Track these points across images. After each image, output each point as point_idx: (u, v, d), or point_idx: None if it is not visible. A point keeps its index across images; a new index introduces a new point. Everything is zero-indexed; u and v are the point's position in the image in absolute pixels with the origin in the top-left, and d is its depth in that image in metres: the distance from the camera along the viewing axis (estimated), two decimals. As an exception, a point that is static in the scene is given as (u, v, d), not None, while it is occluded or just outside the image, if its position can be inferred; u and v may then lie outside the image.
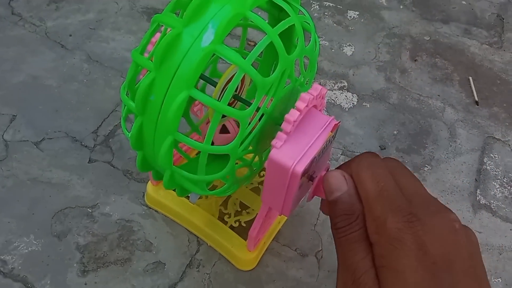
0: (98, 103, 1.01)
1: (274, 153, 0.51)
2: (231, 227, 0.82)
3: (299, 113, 0.51)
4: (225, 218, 0.83)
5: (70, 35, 1.13)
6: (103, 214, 0.85)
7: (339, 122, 0.56)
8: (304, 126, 0.53)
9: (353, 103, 1.09)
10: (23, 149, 0.92)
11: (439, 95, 1.13)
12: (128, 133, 0.57)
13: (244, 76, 0.65)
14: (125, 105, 0.58)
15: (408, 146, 1.04)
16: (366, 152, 0.51)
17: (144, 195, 0.88)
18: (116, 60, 1.09)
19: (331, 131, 0.55)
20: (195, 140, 0.52)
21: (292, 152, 0.50)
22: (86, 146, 0.94)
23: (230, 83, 0.49)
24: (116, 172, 0.91)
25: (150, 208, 0.86)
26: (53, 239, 0.82)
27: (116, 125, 0.98)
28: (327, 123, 0.54)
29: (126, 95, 0.58)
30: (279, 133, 0.51)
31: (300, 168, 0.49)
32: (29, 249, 0.80)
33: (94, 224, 0.84)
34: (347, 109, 1.08)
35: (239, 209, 0.85)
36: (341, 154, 1.00)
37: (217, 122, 0.50)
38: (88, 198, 0.87)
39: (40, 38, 1.12)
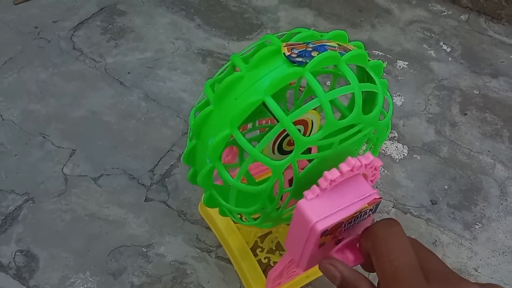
0: (155, 142, 1.03)
1: (302, 203, 0.50)
2: (260, 262, 0.82)
3: (339, 174, 0.51)
4: (258, 251, 0.84)
5: (129, 73, 1.17)
6: (158, 255, 0.86)
7: (380, 198, 0.52)
8: (343, 189, 0.51)
9: (403, 155, 1.10)
10: (81, 184, 0.94)
11: (489, 151, 1.13)
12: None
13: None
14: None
15: (459, 202, 1.03)
16: (385, 220, 0.47)
17: (197, 236, 0.89)
18: (172, 100, 1.12)
19: (368, 203, 0.52)
20: (230, 175, 0.55)
21: (320, 209, 0.49)
22: (142, 184, 0.96)
23: (269, 132, 0.52)
24: (171, 212, 0.92)
25: (203, 251, 0.87)
26: (108, 277, 0.83)
27: (172, 164, 1.00)
28: (368, 194, 0.54)
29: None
30: (314, 186, 0.51)
31: (321, 227, 0.47)
32: (85, 286, 0.81)
33: (148, 265, 0.85)
34: (397, 160, 1.08)
35: (274, 248, 0.85)
36: (393, 207, 1.00)
37: (249, 163, 0.53)
38: (144, 238, 0.88)
39: (99, 74, 1.16)
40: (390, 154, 1.09)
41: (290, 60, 0.51)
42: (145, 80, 1.16)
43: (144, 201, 0.93)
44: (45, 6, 1.32)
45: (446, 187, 1.05)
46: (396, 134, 1.13)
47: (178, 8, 1.37)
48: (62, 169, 0.96)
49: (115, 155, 1.00)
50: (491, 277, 0.92)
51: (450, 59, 1.33)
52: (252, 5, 1.41)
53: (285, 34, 0.59)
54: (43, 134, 1.02)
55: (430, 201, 1.03)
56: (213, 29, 1.32)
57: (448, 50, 1.35)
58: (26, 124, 1.03)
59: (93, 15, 1.30)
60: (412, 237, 0.51)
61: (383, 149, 1.10)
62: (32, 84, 1.12)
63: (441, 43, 1.36)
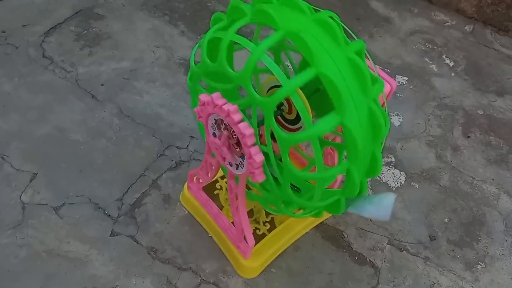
0: (126, 165, 0.93)
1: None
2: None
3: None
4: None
5: (102, 84, 1.07)
6: (122, 299, 0.77)
7: None
8: None
9: (400, 182, 1.00)
10: (41, 214, 0.84)
11: (493, 179, 1.03)
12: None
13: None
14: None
15: (460, 238, 0.94)
16: None
17: (167, 279, 0.80)
18: (148, 117, 1.02)
19: None
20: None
21: None
22: (109, 216, 0.86)
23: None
24: (140, 249, 0.82)
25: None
26: (64, 325, 0.73)
27: (143, 192, 0.90)
28: None
29: None
30: None
31: None
32: (37, 335, 0.72)
33: (110, 311, 0.75)
34: (394, 189, 0.99)
35: (255, 219, 0.85)
36: (387, 243, 0.91)
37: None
38: (107, 279, 0.78)
39: (69, 85, 1.06)
40: (386, 182, 1.00)
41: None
42: (120, 94, 1.06)
43: (110, 235, 0.83)
44: (15, 8, 1.21)
45: (446, 220, 0.96)
46: (393, 159, 1.03)
47: (161, 12, 1.26)
48: (20, 196, 0.86)
49: (80, 180, 0.90)
50: (494, 326, 0.83)
51: (453, 74, 1.23)
52: (241, 10, 1.30)
53: None
54: (2, 154, 0.92)
55: (429, 236, 0.93)
56: (198, 37, 1.22)
57: (451, 64, 1.25)
58: (-16, 142, 0.93)
59: (67, 19, 1.20)
60: None
61: (378, 176, 1.00)
62: (-6, 96, 1.02)
63: (444, 56, 1.26)
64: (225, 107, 0.59)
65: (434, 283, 0.87)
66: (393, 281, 0.86)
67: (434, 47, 1.28)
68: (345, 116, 0.53)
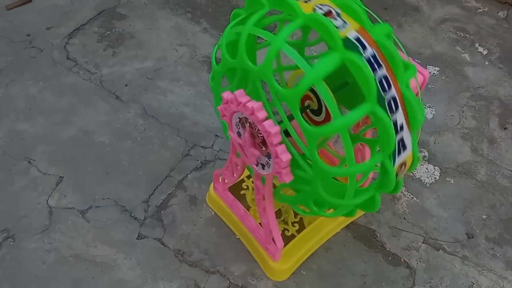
0: (152, 166, 0.92)
1: None
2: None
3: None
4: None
5: (126, 85, 1.06)
6: (150, 303, 0.76)
7: None
8: None
9: (435, 178, 0.96)
10: (67, 218, 0.84)
11: (535, 173, 0.98)
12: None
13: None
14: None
15: (499, 235, 0.89)
16: None
17: (195, 282, 0.78)
18: (173, 116, 1.00)
19: None
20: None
21: None
22: (135, 218, 0.85)
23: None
24: (167, 253, 0.81)
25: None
26: (94, 330, 0.73)
27: (169, 193, 0.89)
28: None
29: None
30: None
31: None
32: None
33: (139, 315, 0.74)
34: (428, 185, 0.94)
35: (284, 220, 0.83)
36: (423, 242, 0.87)
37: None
38: (135, 283, 0.77)
39: (94, 87, 1.05)
40: (419, 178, 0.95)
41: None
42: (144, 94, 1.05)
43: (137, 238, 0.82)
44: (39, 11, 1.21)
45: (484, 216, 0.91)
46: (426, 153, 0.99)
47: (183, 10, 1.25)
48: (47, 201, 0.86)
49: (107, 182, 0.89)
50: (540, 330, 0.78)
51: (487, 63, 1.17)
52: (264, 4, 1.27)
53: None
54: (28, 158, 0.92)
55: (466, 234, 0.89)
56: (221, 33, 1.19)
57: (485, 52, 1.19)
58: (11, 146, 0.94)
59: (90, 20, 1.20)
60: None
61: (412, 173, 0.96)
62: (20, 100, 1.02)
63: (477, 45, 1.20)
64: (249, 104, 0.56)
65: (473, 284, 0.83)
66: (430, 282, 0.82)
67: (466, 35, 1.22)
68: (376, 104, 0.50)
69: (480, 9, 1.29)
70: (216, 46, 0.66)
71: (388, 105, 0.51)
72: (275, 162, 0.57)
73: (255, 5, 0.58)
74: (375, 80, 0.50)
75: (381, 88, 0.51)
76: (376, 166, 0.56)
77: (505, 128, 1.04)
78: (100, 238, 0.82)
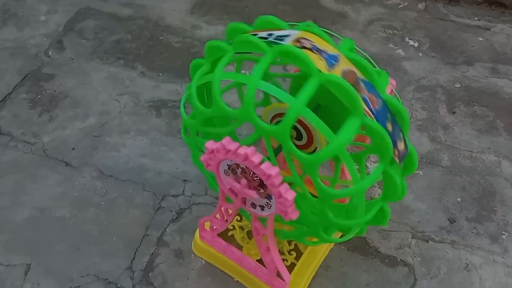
0: (125, 230, 0.85)
1: None
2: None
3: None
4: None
5: (73, 149, 0.98)
6: None
7: None
8: None
9: (404, 174, 0.98)
10: (47, 308, 0.76)
11: (489, 148, 1.03)
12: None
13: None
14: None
15: (477, 214, 0.92)
16: None
17: None
18: (132, 171, 0.94)
19: None
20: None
21: None
22: (123, 289, 0.78)
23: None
24: (167, 317, 0.75)
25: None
26: None
27: (152, 253, 0.83)
28: None
29: None
30: None
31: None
32: None
33: None
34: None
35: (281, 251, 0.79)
36: (412, 238, 0.88)
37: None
38: None
39: (38, 158, 0.97)
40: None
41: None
42: (95, 154, 0.98)
43: (130, 310, 0.76)
44: (-46, 88, 1.10)
45: (459, 199, 0.94)
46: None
47: (114, 57, 1.19)
48: (19, 295, 0.77)
49: (80, 259, 0.81)
50: (538, 293, 0.82)
51: (420, 54, 1.23)
52: (196, 37, 1.26)
53: None
54: (-17, 253, 0.82)
55: (448, 220, 0.92)
56: (160, 74, 1.15)
57: (416, 45, 1.25)
58: (-41, 245, 0.83)
59: (15, 87, 1.10)
60: None
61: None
62: (-44, 190, 0.91)
63: (407, 39, 1.27)
64: (241, 151, 0.54)
65: (468, 264, 0.85)
66: (429, 273, 0.83)
67: (395, 31, 1.28)
68: (364, 116, 0.50)
69: (400, 4, 1.36)
70: (183, 99, 0.63)
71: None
72: (279, 202, 0.55)
73: (217, 52, 0.57)
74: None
75: (364, 101, 0.52)
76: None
77: (454, 112, 1.10)
78: (90, 321, 0.74)
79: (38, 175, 0.94)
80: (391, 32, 1.28)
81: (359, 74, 0.54)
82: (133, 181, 0.93)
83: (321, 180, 0.74)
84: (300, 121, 0.65)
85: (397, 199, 0.59)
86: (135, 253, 0.83)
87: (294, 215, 0.56)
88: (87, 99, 1.09)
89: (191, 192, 0.92)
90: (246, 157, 0.53)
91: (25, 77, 1.13)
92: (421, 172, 0.98)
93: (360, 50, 0.59)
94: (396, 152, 0.55)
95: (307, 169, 0.52)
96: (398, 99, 0.58)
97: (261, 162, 0.54)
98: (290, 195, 0.54)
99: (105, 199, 0.90)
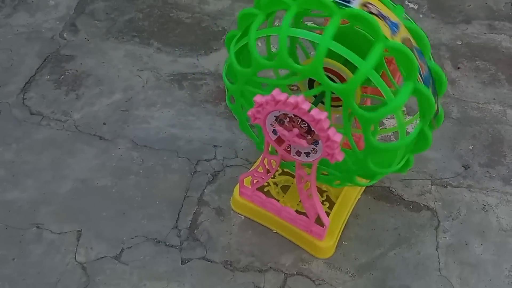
0: (166, 193, 0.91)
1: None
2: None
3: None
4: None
5: (104, 123, 1.03)
6: (220, 320, 0.76)
7: None
8: None
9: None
10: (104, 268, 0.81)
11: (494, 99, 1.11)
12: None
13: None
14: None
15: (489, 159, 1.00)
16: None
17: (254, 284, 0.79)
18: (165, 140, 0.99)
19: None
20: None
21: None
22: (172, 246, 0.84)
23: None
24: (216, 267, 0.81)
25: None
26: None
27: (195, 212, 0.88)
28: None
29: None
30: None
31: None
32: None
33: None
34: (415, 135, 1.03)
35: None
36: (431, 184, 0.95)
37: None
38: (198, 306, 0.77)
39: (72, 134, 1.01)
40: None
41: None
42: (126, 127, 1.02)
43: (182, 264, 0.82)
44: (-23, 74, 1.13)
45: (471, 147, 1.02)
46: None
47: (128, 36, 1.23)
48: (75, 258, 0.82)
49: (128, 222, 0.87)
50: (549, 225, 0.90)
51: (421, 16, 1.29)
52: (205, 11, 1.29)
53: None
54: (35, 224, 0.87)
55: (463, 166, 0.99)
56: (176, 49, 1.19)
57: (416, 7, 1.31)
58: (11, 218, 0.87)
59: (37, 69, 1.13)
60: None
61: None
62: (-2, 168, 0.95)
63: (406, 2, 1.32)
64: (291, 100, 0.59)
65: (485, 205, 0.92)
66: (451, 215, 0.91)
67: (396, -4, 1.33)
68: (417, 81, 0.56)
69: (399, -30, 1.41)
70: (225, 68, 0.68)
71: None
72: (327, 145, 0.61)
73: (248, 18, 0.61)
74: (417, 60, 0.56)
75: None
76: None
77: (458, 68, 1.17)
78: (146, 275, 0.80)
79: (74, 150, 0.98)
80: (393, -4, 1.33)
81: (413, 42, 0.60)
82: (167, 149, 0.98)
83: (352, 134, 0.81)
84: (335, 73, 0.70)
85: (433, 126, 0.66)
86: (178, 214, 0.88)
87: (340, 156, 0.62)
88: (110, 76, 1.13)
89: (223, 156, 0.97)
90: (296, 105, 0.59)
91: (45, 59, 1.16)
92: (433, 124, 1.05)
93: (408, 17, 0.65)
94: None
95: (342, 96, 0.58)
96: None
97: (310, 109, 0.59)
98: (338, 137, 0.60)
99: (143, 167, 0.95)
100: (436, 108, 0.63)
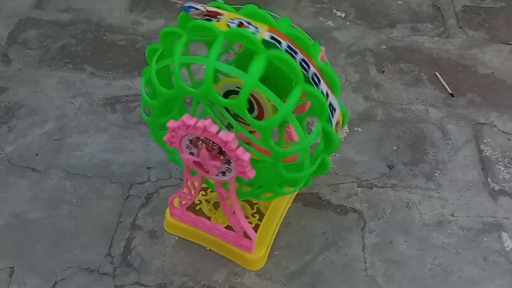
0: (99, 221, 0.92)
1: None
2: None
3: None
4: None
5: (37, 154, 1.03)
6: None
7: None
8: None
9: (346, 132, 1.09)
10: (38, 301, 0.82)
11: (417, 99, 1.16)
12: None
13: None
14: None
15: (412, 158, 1.05)
16: None
17: (188, 303, 0.82)
18: (98, 166, 1.01)
19: None
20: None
21: None
22: (105, 274, 0.85)
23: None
24: (150, 290, 0.83)
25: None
26: None
27: (127, 238, 0.90)
28: None
29: None
30: None
31: None
32: None
33: None
34: (343, 139, 1.08)
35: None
36: (358, 187, 0.99)
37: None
38: (133, 330, 0.79)
39: (4, 168, 1.01)
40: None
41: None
42: (59, 156, 1.03)
43: (116, 290, 0.83)
44: None
45: (395, 147, 1.07)
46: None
47: (62, 62, 1.23)
48: (8, 295, 0.83)
49: (61, 253, 0.88)
50: (468, 216, 0.95)
51: (348, 23, 1.34)
52: (139, 32, 1.31)
53: None
54: (-33, 263, 0.87)
55: (387, 166, 1.04)
56: (109, 72, 1.21)
57: (343, 15, 1.36)
58: None
59: (-32, 104, 1.13)
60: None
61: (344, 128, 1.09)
62: None
63: (334, 10, 1.37)
64: (200, 124, 0.62)
65: (408, 203, 0.97)
66: (376, 215, 0.95)
67: (323, 5, 1.38)
68: (305, 83, 0.59)
69: (324, -21, 1.46)
70: (143, 82, 0.70)
71: (312, 80, 0.60)
72: (237, 164, 0.64)
73: (172, 36, 0.64)
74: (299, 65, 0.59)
75: (304, 69, 0.61)
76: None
77: (383, 72, 1.22)
78: (80, 305, 0.81)
79: (7, 184, 0.98)
80: (320, 6, 1.38)
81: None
82: (100, 175, 0.99)
83: (259, 146, 0.84)
84: (252, 96, 0.73)
85: (334, 150, 0.69)
86: (111, 240, 0.90)
87: (252, 173, 0.65)
88: (42, 105, 1.13)
89: (156, 177, 0.99)
90: (205, 129, 0.62)
91: (-24, 93, 1.15)
92: (359, 128, 1.10)
93: (295, 26, 0.69)
94: (331, 112, 0.65)
95: (261, 134, 0.61)
96: (329, 65, 0.68)
97: (218, 132, 0.62)
98: (246, 156, 0.63)
99: (76, 196, 0.96)
100: (337, 106, 0.67)
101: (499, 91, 1.19)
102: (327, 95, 0.63)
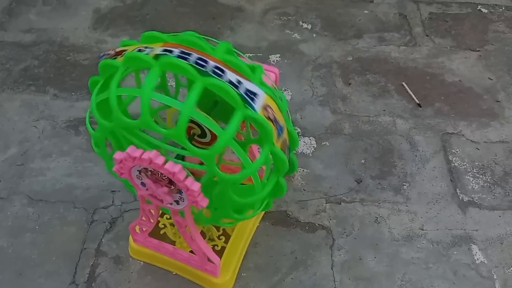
0: (63, 248, 0.90)
1: None
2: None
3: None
4: None
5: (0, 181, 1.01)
6: None
7: None
8: None
9: (313, 146, 1.09)
10: (-2, 337, 0.80)
11: (384, 110, 1.17)
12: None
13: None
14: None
15: (380, 171, 1.05)
16: None
17: (154, 331, 0.80)
18: (62, 191, 0.99)
19: None
20: None
21: None
22: (69, 303, 0.83)
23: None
24: (115, 319, 0.82)
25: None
26: None
27: (92, 265, 0.88)
28: None
29: None
30: None
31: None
32: None
33: None
34: (310, 154, 1.07)
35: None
36: (326, 203, 0.99)
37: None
38: None
39: (-36, 197, 0.98)
40: (302, 151, 1.08)
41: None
42: (22, 182, 1.01)
43: (79, 320, 0.81)
44: None
45: (362, 161, 1.07)
46: (299, 129, 1.12)
47: (24, 85, 1.21)
48: (-33, 331, 0.80)
49: (24, 283, 0.86)
50: (437, 229, 0.96)
51: (314, 35, 1.34)
52: (103, 51, 1.29)
53: None
54: None
55: (355, 181, 1.04)
56: (73, 93, 1.18)
57: (309, 27, 1.36)
58: None
59: None
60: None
61: (295, 150, 1.08)
62: None
63: (301, 23, 1.37)
64: (145, 156, 0.61)
65: (377, 218, 0.97)
66: (345, 231, 0.95)
67: (289, 17, 1.38)
68: (245, 108, 0.59)
69: (290, -8, 1.46)
70: (88, 114, 0.68)
71: (215, 73, 0.59)
72: (188, 194, 0.63)
73: (110, 69, 0.62)
74: (235, 90, 0.58)
75: (200, 67, 0.59)
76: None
77: (349, 84, 1.22)
78: None
79: (-33, 214, 0.96)
80: (286, 18, 1.38)
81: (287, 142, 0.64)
82: (63, 201, 0.97)
83: (234, 167, 0.83)
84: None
85: (289, 172, 0.68)
86: (76, 268, 0.88)
87: (204, 202, 0.64)
88: (4, 130, 1.10)
89: (121, 201, 0.97)
90: (150, 161, 0.61)
91: None
92: (327, 142, 1.10)
93: (236, 50, 0.68)
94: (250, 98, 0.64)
95: (205, 161, 0.60)
96: (276, 88, 0.68)
97: (165, 162, 0.61)
98: (196, 186, 0.62)
99: (39, 223, 0.94)
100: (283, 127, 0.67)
101: (467, 99, 1.20)
102: (239, 82, 0.61)
